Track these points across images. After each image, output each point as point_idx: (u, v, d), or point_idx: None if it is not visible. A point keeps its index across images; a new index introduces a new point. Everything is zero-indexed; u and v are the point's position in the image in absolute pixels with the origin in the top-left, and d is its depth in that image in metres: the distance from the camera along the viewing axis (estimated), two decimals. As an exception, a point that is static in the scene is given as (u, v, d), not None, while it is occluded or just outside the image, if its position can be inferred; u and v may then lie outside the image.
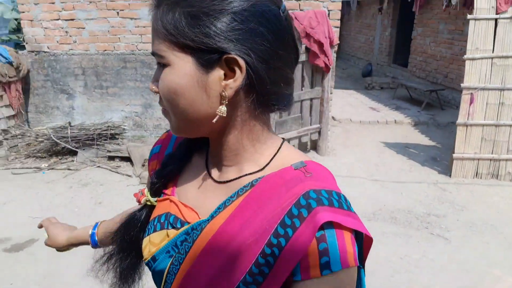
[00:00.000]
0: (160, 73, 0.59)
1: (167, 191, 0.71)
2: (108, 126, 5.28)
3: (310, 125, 5.07)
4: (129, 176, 4.75)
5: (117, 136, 5.35)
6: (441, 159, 5.23)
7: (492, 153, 4.52)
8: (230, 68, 0.56)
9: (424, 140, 6.05)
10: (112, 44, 5.12)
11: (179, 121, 0.61)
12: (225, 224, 0.60)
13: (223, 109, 0.58)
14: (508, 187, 4.41)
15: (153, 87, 0.62)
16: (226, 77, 0.57)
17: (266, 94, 0.60)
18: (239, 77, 0.56)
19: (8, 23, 8.26)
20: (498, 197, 4.17)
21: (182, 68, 0.57)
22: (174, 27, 0.55)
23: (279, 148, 0.65)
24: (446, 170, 4.78)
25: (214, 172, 0.68)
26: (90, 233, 1.02)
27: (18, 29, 7.85)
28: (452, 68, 7.89)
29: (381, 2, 10.54)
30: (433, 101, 7.92)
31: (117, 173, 4.85)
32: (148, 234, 0.69)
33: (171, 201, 0.69)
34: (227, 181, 0.65)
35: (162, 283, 0.66)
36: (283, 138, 0.68)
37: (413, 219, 3.77)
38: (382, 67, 11.16)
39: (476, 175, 4.58)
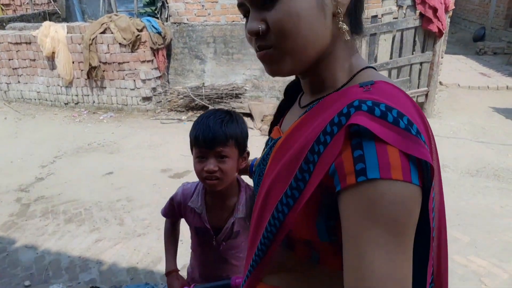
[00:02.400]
0: (267, 10, 0.59)
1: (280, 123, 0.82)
2: (233, 87, 6.19)
3: (418, 88, 5.37)
4: (251, 128, 5.62)
5: (239, 96, 6.24)
6: (554, 125, 5.19)
7: None
8: None
9: (538, 107, 5.93)
10: (239, 15, 5.91)
11: (291, 51, 0.60)
12: (286, 137, 0.66)
13: (344, 26, 0.60)
14: None
15: (260, 26, 0.60)
16: None
17: (359, 16, 0.64)
18: None
19: (143, -2, 9.42)
20: None
21: None
22: None
23: (359, 71, 0.65)
24: (560, 135, 4.79)
25: (302, 100, 0.74)
26: (249, 164, 1.28)
27: (151, 3, 8.99)
28: None
29: (502, -41, 9.77)
30: (555, 67, 7.44)
31: (242, 126, 5.77)
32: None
33: (275, 129, 0.81)
34: (305, 106, 0.70)
35: (255, 184, 0.79)
36: (373, 67, 0.68)
37: (517, 177, 4.01)
38: (496, 31, 10.46)
39: None
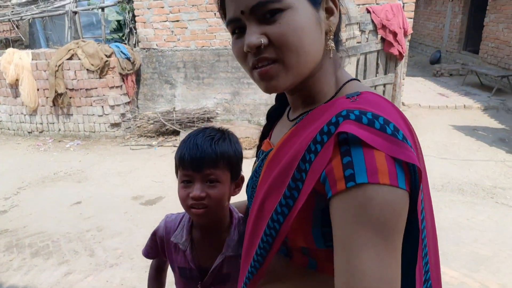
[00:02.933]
0: (268, 24, 0.60)
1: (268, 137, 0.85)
2: (205, 111, 6.22)
3: (382, 108, 5.59)
4: (224, 152, 5.64)
5: (211, 119, 6.27)
6: (509, 140, 5.51)
7: (562, 134, 4.78)
8: (330, 7, 0.65)
9: (493, 124, 6.30)
10: (208, 41, 6.02)
11: (294, 65, 0.62)
12: (278, 148, 0.68)
13: (332, 43, 0.65)
14: None
15: (262, 40, 0.60)
16: (329, 14, 0.65)
17: (339, 35, 0.69)
18: (337, 14, 0.65)
19: (109, 24, 9.47)
20: None
21: (304, 8, 0.60)
22: None
23: (345, 83, 0.68)
24: (515, 150, 5.10)
25: (291, 114, 0.77)
26: None
27: (117, 29, 8.97)
28: (526, 54, 7.87)
29: (452, -11, 10.53)
30: (504, 86, 7.97)
31: (214, 149, 5.77)
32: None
33: (265, 142, 0.83)
34: (294, 119, 0.72)
35: (249, 196, 0.79)
36: (357, 79, 0.71)
37: (480, 191, 4.21)
38: (451, 54, 11.13)
39: (545, 154, 4.86)
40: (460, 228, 3.46)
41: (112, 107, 6.14)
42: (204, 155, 0.96)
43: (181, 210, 1.07)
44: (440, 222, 3.56)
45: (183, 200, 1.00)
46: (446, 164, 4.88)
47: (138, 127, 6.40)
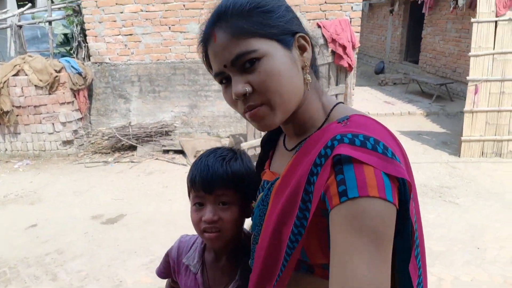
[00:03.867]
0: (249, 73, 0.66)
1: (266, 166, 0.90)
2: (162, 125, 6.15)
3: (336, 117, 5.86)
4: (184, 165, 5.60)
5: (169, 133, 6.21)
6: (451, 143, 5.99)
7: (495, 135, 5.27)
8: (302, 44, 0.71)
9: (435, 128, 6.80)
10: (164, 54, 5.99)
11: (280, 105, 0.68)
12: (283, 177, 0.73)
13: (308, 76, 0.71)
14: (510, 163, 5.15)
15: (246, 88, 0.67)
16: (302, 51, 0.71)
17: (315, 64, 0.76)
18: (309, 50, 0.71)
19: (56, 38, 9.13)
20: (501, 171, 4.92)
21: (277, 52, 0.67)
22: (258, 23, 0.66)
23: (332, 109, 0.75)
24: (456, 151, 5.54)
25: (287, 144, 0.83)
26: None
27: (64, 42, 8.68)
28: (459, 63, 8.61)
29: (392, 4, 11.29)
30: (443, 93, 8.64)
31: (174, 163, 5.71)
32: (257, 197, 0.86)
33: (265, 172, 0.88)
34: (293, 148, 0.78)
35: (256, 224, 0.83)
36: (341, 102, 0.78)
37: (428, 191, 4.53)
38: (394, 64, 11.88)
39: (482, 154, 5.34)
40: (415, 227, 3.70)
41: (63, 124, 5.90)
42: (215, 176, 0.93)
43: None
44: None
45: (196, 224, 0.96)
46: (397, 168, 5.19)
47: (92, 143, 6.19)
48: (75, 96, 5.96)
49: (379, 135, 0.63)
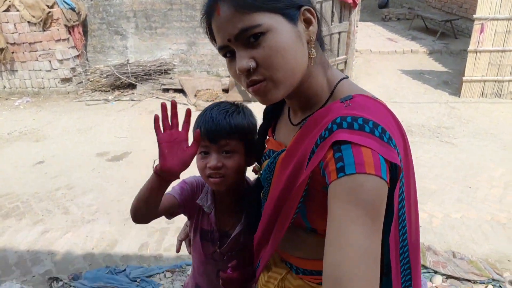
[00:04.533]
0: (253, 48, 0.67)
1: (269, 134, 0.95)
2: (161, 63, 6.06)
3: (338, 56, 5.77)
4: (185, 104, 5.62)
5: (168, 72, 6.14)
6: (452, 82, 5.97)
7: (497, 76, 5.25)
8: (307, 17, 0.70)
9: (437, 67, 6.74)
10: (160, -12, 5.74)
11: (283, 81, 0.69)
12: (288, 150, 0.78)
13: (313, 51, 0.71)
14: (509, 104, 5.20)
15: (251, 64, 0.67)
16: (308, 25, 0.70)
17: (322, 36, 0.74)
18: (315, 23, 0.70)
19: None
20: (499, 112, 4.98)
21: (282, 27, 0.67)
22: None
23: (337, 84, 0.76)
24: (456, 91, 5.55)
25: (293, 119, 0.85)
26: None
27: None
28: (467, -2, 8.28)
29: None
30: (448, 30, 8.41)
31: (174, 102, 5.72)
32: (262, 161, 0.94)
33: (270, 140, 0.93)
34: (299, 123, 0.81)
35: (263, 190, 0.91)
36: (346, 76, 0.78)
37: (426, 131, 4.62)
38: (399, -1, 11.41)
39: (482, 95, 5.36)
40: (411, 166, 3.83)
41: (60, 61, 5.80)
42: (219, 127, 1.00)
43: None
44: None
45: (202, 170, 1.05)
46: (397, 108, 5.23)
47: (90, 81, 6.14)
48: (70, 33, 5.79)
49: (379, 118, 0.65)
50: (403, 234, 0.74)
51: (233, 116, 1.03)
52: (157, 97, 5.85)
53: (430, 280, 2.27)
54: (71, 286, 2.45)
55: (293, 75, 0.69)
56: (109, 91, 6.07)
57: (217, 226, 1.14)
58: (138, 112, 5.41)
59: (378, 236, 0.59)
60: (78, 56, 6.07)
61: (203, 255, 1.18)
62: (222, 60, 6.25)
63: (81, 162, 4.07)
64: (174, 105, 0.90)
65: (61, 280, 2.49)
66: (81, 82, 6.18)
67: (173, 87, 5.97)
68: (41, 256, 2.74)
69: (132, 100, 5.80)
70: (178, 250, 1.25)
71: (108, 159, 4.20)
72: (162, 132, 0.89)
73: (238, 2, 0.65)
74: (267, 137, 0.95)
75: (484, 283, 2.22)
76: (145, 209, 0.99)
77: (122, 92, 6.07)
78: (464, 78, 5.30)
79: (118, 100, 5.84)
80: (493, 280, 2.22)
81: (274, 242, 0.83)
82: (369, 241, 0.57)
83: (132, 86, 6.09)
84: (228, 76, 6.10)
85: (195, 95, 5.72)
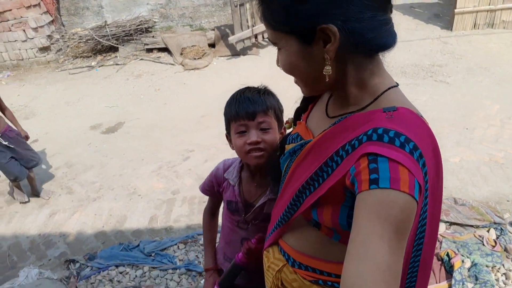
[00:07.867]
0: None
1: (303, 117, 0.95)
2: (140, 21, 5.77)
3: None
4: (172, 64, 5.45)
5: (150, 29, 5.87)
6: (443, 15, 5.81)
7: (489, 5, 5.10)
8: (326, 34, 0.67)
9: (427, -1, 6.51)
10: None
11: (304, 86, 0.79)
12: (316, 143, 0.80)
13: (327, 68, 0.70)
14: (501, 34, 5.11)
15: (278, 63, 0.78)
16: (326, 42, 0.68)
17: (368, 42, 0.69)
18: (335, 40, 0.66)
19: None
20: (492, 44, 4.91)
21: (290, 48, 0.72)
22: (274, 20, 0.72)
23: (383, 92, 0.74)
24: (448, 25, 5.41)
25: (329, 110, 0.85)
26: None
27: None
28: None
29: None
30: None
31: (160, 63, 5.54)
32: (288, 143, 0.94)
33: (301, 124, 0.94)
34: (334, 117, 0.81)
35: (283, 171, 0.93)
36: (397, 84, 0.77)
37: (420, 71, 4.57)
38: None
39: (474, 27, 5.24)
40: (407, 110, 3.83)
41: (35, 29, 5.50)
42: (256, 104, 1.10)
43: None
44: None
45: (241, 148, 1.12)
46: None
47: (70, 47, 5.88)
48: (40, -3, 5.43)
49: (414, 134, 0.65)
50: (416, 251, 0.76)
51: (266, 96, 1.13)
52: (141, 59, 5.65)
53: (434, 228, 2.36)
54: (88, 266, 2.53)
55: (312, 84, 0.77)
56: (91, 56, 5.84)
57: (241, 197, 1.24)
58: (125, 77, 5.25)
59: (402, 255, 0.60)
60: (52, 21, 5.75)
61: (230, 223, 1.30)
62: (205, 12, 5.97)
63: (76, 138, 4.01)
64: None
65: (77, 262, 2.56)
66: (61, 49, 5.92)
67: (157, 46, 5.74)
68: (53, 239, 2.78)
69: (117, 64, 5.59)
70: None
71: (102, 132, 4.14)
72: None
73: (265, 17, 0.74)
74: (300, 120, 0.97)
75: (486, 227, 2.32)
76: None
77: (104, 56, 5.84)
78: (456, 10, 5.15)
79: (102, 65, 5.63)
80: (495, 223, 2.31)
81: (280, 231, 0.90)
82: (393, 258, 0.57)
83: (114, 49, 5.85)
84: (213, 29, 5.84)
85: (181, 53, 5.52)
